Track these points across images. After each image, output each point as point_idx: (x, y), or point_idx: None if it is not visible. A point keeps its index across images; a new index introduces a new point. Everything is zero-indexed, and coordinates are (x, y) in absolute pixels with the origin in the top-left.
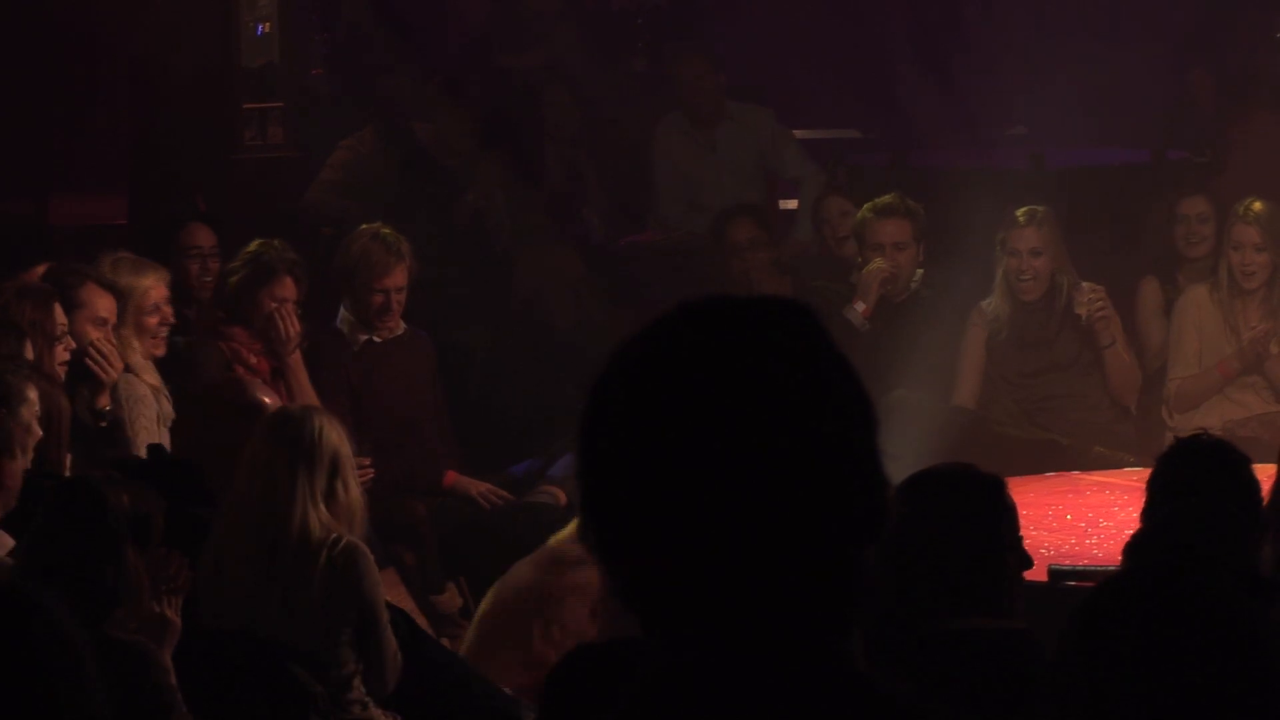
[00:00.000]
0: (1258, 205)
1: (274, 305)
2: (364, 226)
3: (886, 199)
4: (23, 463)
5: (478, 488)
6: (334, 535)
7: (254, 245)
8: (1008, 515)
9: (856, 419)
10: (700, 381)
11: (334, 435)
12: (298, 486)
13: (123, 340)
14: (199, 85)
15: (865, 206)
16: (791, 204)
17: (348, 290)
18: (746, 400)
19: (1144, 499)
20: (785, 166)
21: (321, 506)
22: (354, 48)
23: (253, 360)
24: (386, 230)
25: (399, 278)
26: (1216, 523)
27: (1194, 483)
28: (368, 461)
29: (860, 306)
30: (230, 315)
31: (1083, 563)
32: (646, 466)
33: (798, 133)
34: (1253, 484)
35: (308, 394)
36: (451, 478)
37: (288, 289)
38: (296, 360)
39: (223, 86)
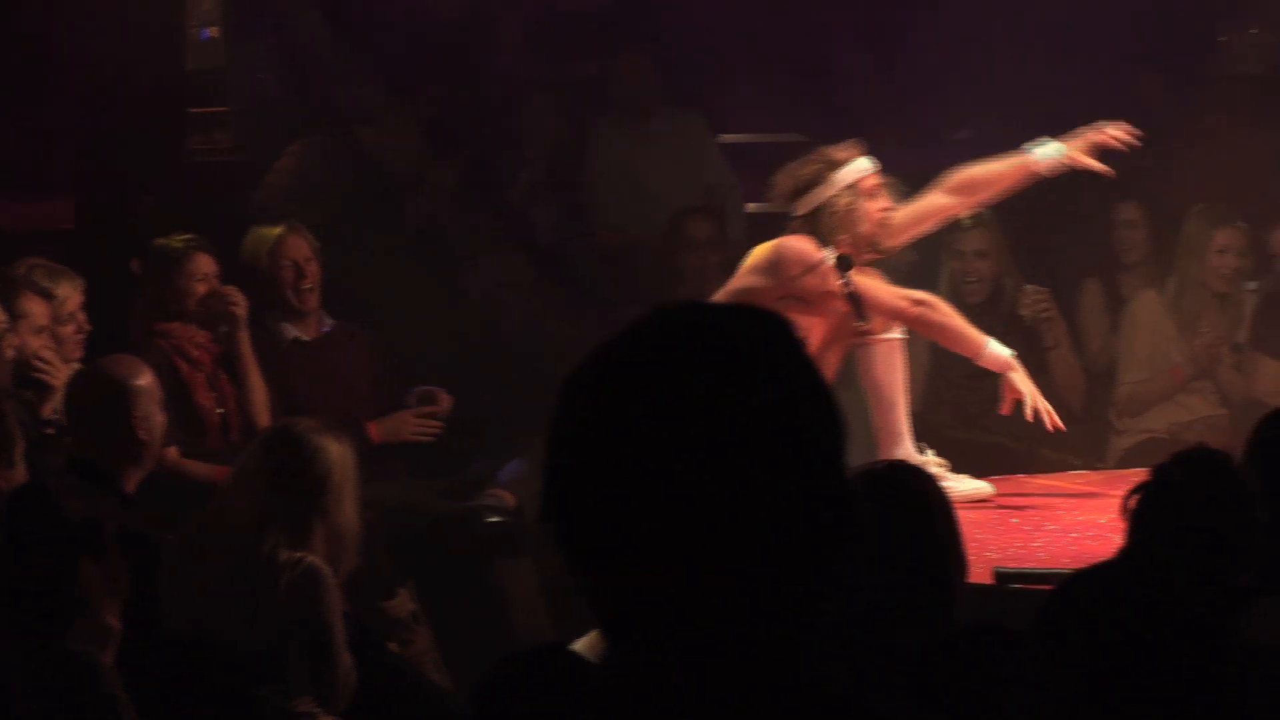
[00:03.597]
0: (1234, 210)
1: (201, 286)
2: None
3: None
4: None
5: (406, 427)
6: (298, 555)
7: (154, 245)
8: (943, 515)
9: (826, 433)
10: (670, 388)
11: (328, 455)
12: (272, 509)
13: None
14: (146, 89)
15: None
16: (754, 206)
17: (260, 283)
18: (716, 409)
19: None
20: (707, 172)
21: (292, 532)
22: (301, 52)
23: (194, 353)
24: (267, 218)
25: (300, 247)
26: (1202, 535)
27: (1192, 496)
28: None
29: None
30: (165, 315)
31: (1028, 565)
32: (613, 469)
33: (742, 137)
34: (1250, 505)
35: (256, 384)
36: (374, 429)
37: (201, 264)
38: (246, 346)
39: (169, 91)
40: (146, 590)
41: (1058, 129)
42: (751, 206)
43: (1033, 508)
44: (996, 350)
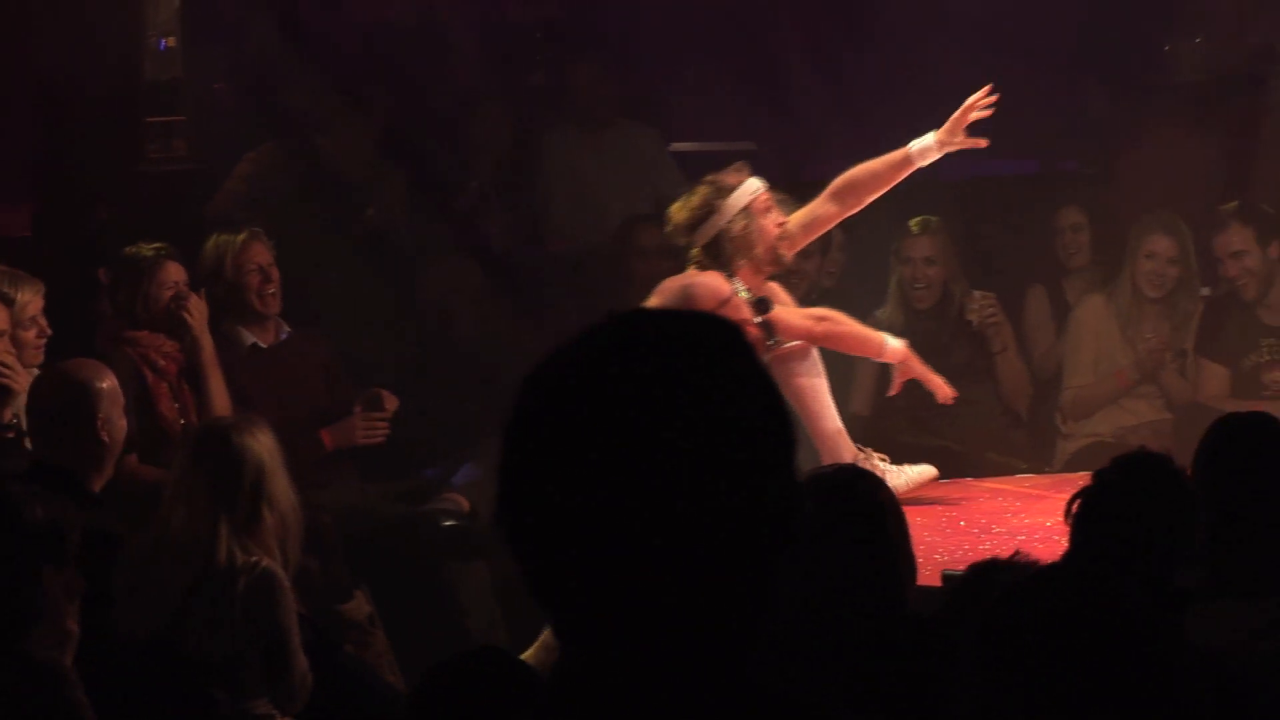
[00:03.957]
0: (1176, 218)
1: (169, 293)
2: (211, 236)
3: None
4: None
5: (356, 431)
6: (253, 559)
7: (124, 253)
8: (894, 517)
9: (776, 437)
10: (624, 392)
11: (256, 448)
12: (220, 514)
13: None
14: (103, 99)
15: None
16: None
17: (223, 289)
18: (669, 413)
19: (1081, 501)
20: (660, 184)
21: (244, 535)
22: (256, 61)
23: (161, 363)
24: (226, 225)
25: (263, 253)
26: (1144, 537)
27: (1134, 498)
28: None
29: None
30: (133, 323)
31: None
32: (566, 472)
33: (693, 145)
34: (1190, 505)
35: (220, 394)
36: (328, 436)
37: (171, 272)
38: (210, 357)
39: (127, 100)
40: (106, 591)
41: (1005, 135)
42: None
43: (980, 511)
44: (894, 343)
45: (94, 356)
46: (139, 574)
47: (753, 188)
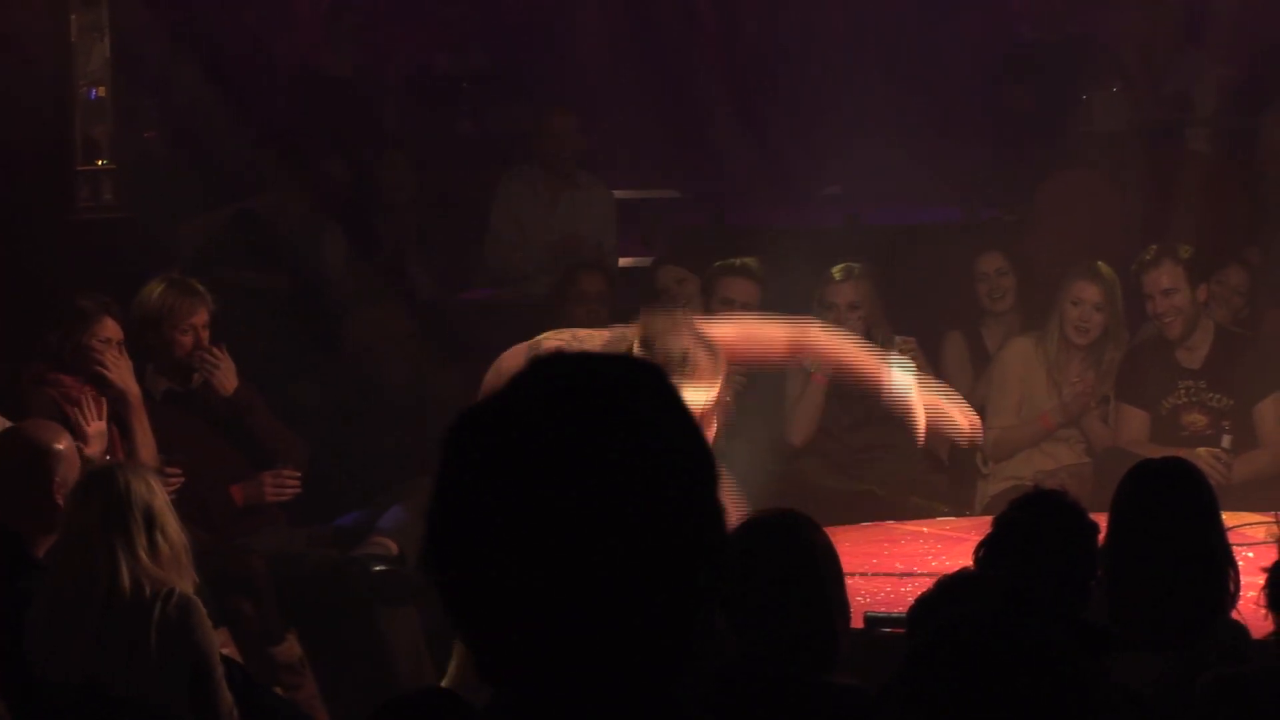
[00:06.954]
0: (1102, 265)
1: (99, 345)
2: (155, 281)
3: (742, 260)
4: None
5: (266, 489)
6: (166, 588)
7: (65, 300)
8: (828, 559)
9: (700, 478)
10: (548, 438)
11: (142, 488)
12: (116, 545)
13: None
14: (34, 148)
15: (717, 264)
16: (628, 261)
17: (152, 340)
18: (593, 459)
19: (985, 547)
20: (604, 235)
21: (145, 560)
22: (187, 110)
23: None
24: (177, 277)
25: (204, 316)
26: (1050, 573)
27: (1035, 535)
28: (178, 470)
29: None
30: (59, 367)
31: (898, 610)
32: (492, 517)
33: (617, 193)
34: (1090, 534)
35: (146, 442)
36: (238, 491)
37: (109, 329)
38: (136, 405)
39: (57, 149)
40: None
41: (923, 186)
42: (625, 261)
43: (902, 554)
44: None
45: (16, 395)
46: (47, 614)
47: None
